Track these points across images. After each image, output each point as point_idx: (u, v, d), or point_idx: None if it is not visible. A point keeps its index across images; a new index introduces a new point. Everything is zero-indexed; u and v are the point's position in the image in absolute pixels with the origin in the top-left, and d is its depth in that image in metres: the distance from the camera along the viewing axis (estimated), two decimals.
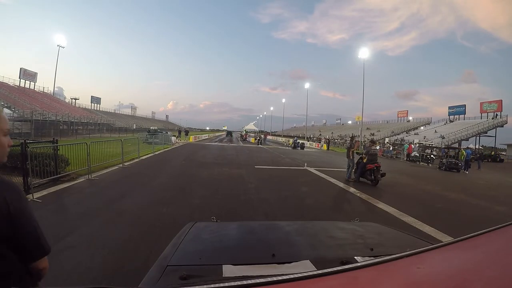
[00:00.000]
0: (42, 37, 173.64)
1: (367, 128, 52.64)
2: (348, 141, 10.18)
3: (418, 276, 0.57)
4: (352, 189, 7.34)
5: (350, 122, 72.68)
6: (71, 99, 55.26)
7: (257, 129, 55.86)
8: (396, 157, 24.49)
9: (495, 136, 37.42)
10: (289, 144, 32.87)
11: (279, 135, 64.17)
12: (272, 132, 66.65)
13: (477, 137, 37.51)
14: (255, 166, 11.11)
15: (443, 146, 26.28)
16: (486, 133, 37.41)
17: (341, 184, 8.02)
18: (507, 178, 14.46)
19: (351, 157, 9.02)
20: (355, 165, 8.96)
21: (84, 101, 64.86)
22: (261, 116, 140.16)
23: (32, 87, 43.48)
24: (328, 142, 32.65)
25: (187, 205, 4.98)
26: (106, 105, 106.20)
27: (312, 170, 10.80)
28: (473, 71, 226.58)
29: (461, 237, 0.69)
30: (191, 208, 4.80)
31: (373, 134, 45.50)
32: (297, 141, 29.93)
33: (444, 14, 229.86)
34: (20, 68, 41.39)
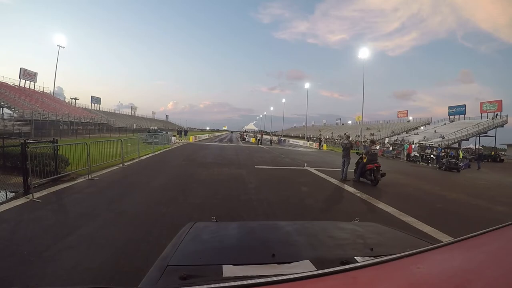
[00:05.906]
0: (42, 37, 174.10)
1: (367, 128, 52.60)
2: (344, 140, 10.20)
3: (418, 276, 0.57)
4: (352, 189, 7.34)
5: (350, 122, 72.66)
6: (71, 99, 55.40)
7: (257, 129, 56.01)
8: (396, 157, 24.49)
9: (495, 136, 37.41)
10: (275, 141, 37.74)
11: (279, 135, 64.14)
12: (272, 132, 66.77)
13: (477, 137, 37.47)
14: (255, 166, 11.11)
15: (442, 146, 26.25)
16: (486, 133, 37.34)
17: (341, 185, 8.02)
18: (506, 178, 14.46)
19: (349, 156, 9.05)
20: (355, 165, 8.97)
21: (84, 101, 65.08)
22: (261, 116, 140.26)
23: (32, 87, 43.45)
24: (321, 141, 35.97)
25: (187, 205, 4.98)
26: (106, 105, 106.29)
27: (312, 170, 10.79)
28: (473, 71, 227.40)
29: (461, 237, 0.69)
30: (191, 208, 4.80)
31: (373, 134, 45.48)
32: (281, 138, 45.24)
33: (444, 15, 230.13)
34: (20, 68, 41.41)
